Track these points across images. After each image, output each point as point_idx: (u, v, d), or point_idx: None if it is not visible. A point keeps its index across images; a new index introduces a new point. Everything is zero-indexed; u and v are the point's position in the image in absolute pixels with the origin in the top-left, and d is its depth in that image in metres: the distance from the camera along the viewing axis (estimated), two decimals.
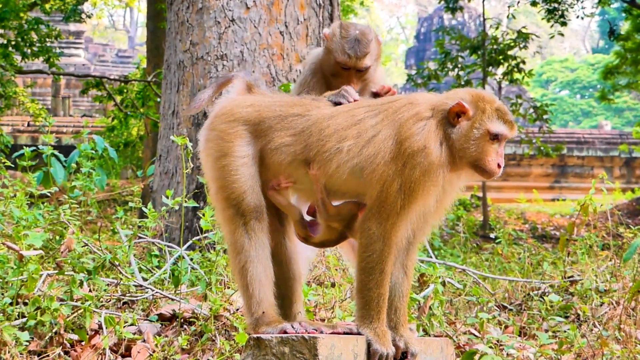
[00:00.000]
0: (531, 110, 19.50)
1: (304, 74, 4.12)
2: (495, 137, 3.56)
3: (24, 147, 6.61)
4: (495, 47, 19.11)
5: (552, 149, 20.10)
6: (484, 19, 20.01)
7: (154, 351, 4.45)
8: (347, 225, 3.75)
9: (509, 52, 19.15)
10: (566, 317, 5.94)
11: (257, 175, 3.76)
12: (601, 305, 5.95)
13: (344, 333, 3.52)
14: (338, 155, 3.59)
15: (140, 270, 5.83)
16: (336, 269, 6.06)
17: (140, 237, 6.24)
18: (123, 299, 5.17)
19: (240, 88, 3.96)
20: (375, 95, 3.98)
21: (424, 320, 5.12)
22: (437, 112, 3.58)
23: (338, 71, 3.98)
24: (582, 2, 19.75)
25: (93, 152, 6.75)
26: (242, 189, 3.70)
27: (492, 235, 15.81)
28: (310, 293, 4.87)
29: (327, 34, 4.03)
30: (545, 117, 19.45)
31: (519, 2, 20.47)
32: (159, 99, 13.96)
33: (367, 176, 3.54)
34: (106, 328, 4.50)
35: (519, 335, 5.50)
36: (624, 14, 22.23)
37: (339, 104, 3.80)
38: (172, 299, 5.10)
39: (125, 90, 18.31)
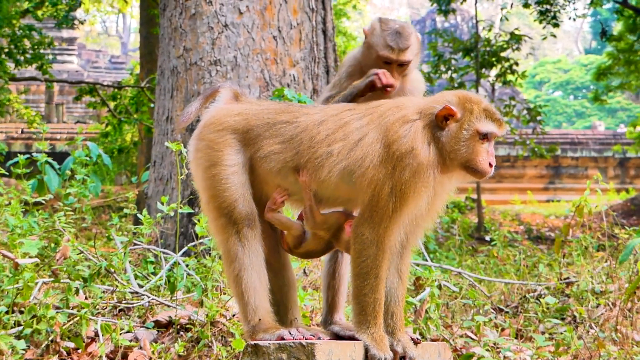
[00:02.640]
0: (525, 111, 19.54)
1: (339, 75, 4.13)
2: (485, 137, 3.57)
3: (18, 154, 6.60)
4: (488, 49, 19.13)
5: (546, 150, 20.12)
6: (477, 21, 20.04)
7: (150, 358, 4.43)
8: (334, 235, 3.74)
9: (502, 54, 19.17)
10: (562, 319, 5.94)
11: (247, 183, 3.75)
12: (597, 306, 5.96)
13: (342, 338, 3.52)
14: (329, 160, 3.59)
15: (136, 277, 5.82)
16: None
17: (135, 244, 6.22)
18: (119, 306, 5.15)
19: (228, 97, 3.97)
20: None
21: (421, 324, 5.12)
22: (424, 115, 3.58)
23: (379, 66, 3.98)
24: (574, 3, 19.78)
25: (87, 158, 6.74)
26: (233, 198, 3.70)
27: (487, 238, 15.80)
28: (306, 298, 4.87)
29: (366, 30, 4.05)
30: (538, 118, 19.48)
31: (512, 4, 20.51)
32: (152, 105, 13.93)
33: (357, 180, 3.54)
34: (102, 335, 4.49)
35: (516, 338, 5.50)
36: (616, 15, 22.25)
37: (372, 86, 3.83)
38: (168, 306, 5.09)
39: (118, 97, 18.28)
